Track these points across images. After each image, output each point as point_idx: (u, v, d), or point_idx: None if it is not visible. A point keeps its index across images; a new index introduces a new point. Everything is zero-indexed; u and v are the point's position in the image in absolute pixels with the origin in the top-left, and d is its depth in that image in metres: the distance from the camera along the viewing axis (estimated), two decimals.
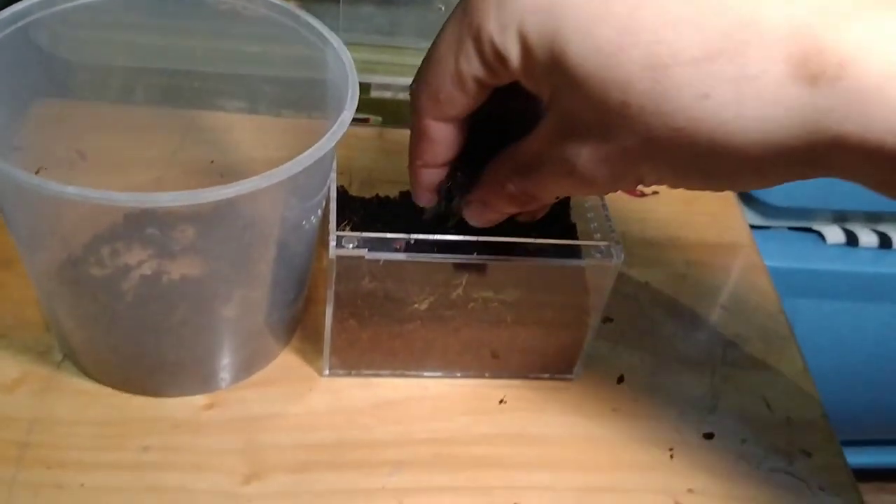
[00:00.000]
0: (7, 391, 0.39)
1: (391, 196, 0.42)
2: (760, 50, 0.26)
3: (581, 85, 0.28)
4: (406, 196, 0.39)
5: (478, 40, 0.30)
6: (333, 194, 0.39)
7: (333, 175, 0.39)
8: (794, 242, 0.68)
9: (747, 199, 0.65)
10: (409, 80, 0.34)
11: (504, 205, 0.35)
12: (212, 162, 0.48)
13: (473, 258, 0.37)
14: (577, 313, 0.41)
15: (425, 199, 0.37)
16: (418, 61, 0.33)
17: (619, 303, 0.47)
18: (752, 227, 0.54)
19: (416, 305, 0.39)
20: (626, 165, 0.30)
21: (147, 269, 0.39)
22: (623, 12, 0.27)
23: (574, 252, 0.38)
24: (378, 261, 0.37)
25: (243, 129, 0.48)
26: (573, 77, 0.28)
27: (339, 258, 0.37)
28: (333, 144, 0.33)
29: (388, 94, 0.56)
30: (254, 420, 0.39)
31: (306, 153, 0.32)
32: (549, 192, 0.33)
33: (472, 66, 0.31)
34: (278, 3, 0.40)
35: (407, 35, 0.55)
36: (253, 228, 0.37)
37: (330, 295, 0.38)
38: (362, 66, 0.54)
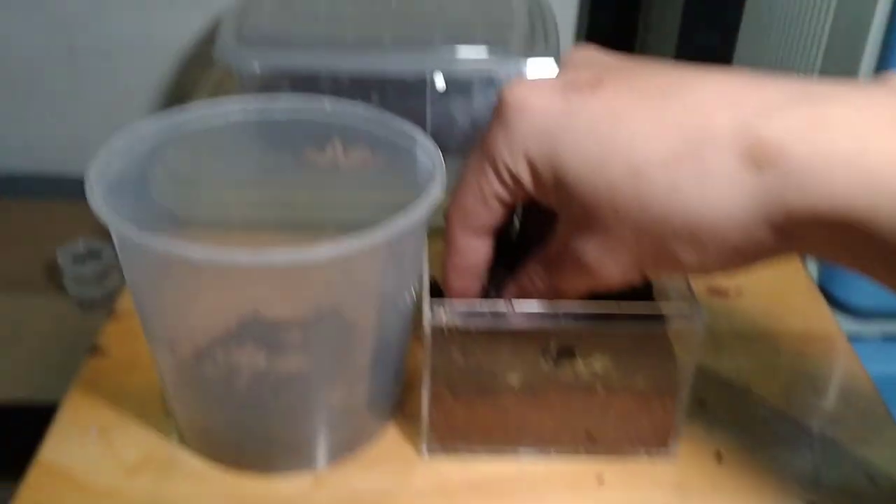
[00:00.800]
0: (128, 474, 0.41)
1: None
2: (714, 150, 0.31)
3: (578, 192, 0.34)
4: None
5: (495, 166, 0.36)
6: (426, 278, 0.41)
7: (425, 254, 0.42)
8: (889, 349, 0.68)
9: (836, 305, 0.66)
10: None
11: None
12: None
13: (559, 324, 0.39)
14: (667, 383, 0.42)
15: None
16: None
17: (712, 387, 0.48)
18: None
19: (507, 379, 0.41)
20: (626, 255, 0.35)
21: (257, 368, 0.42)
22: (604, 130, 0.34)
23: (656, 316, 0.40)
24: (469, 331, 0.39)
25: None
26: (571, 186, 0.34)
27: (434, 328, 0.39)
28: (424, 212, 0.37)
29: None
30: (358, 499, 0.41)
31: (400, 217, 0.36)
32: (570, 285, 0.38)
33: (494, 187, 0.37)
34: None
35: None
36: (354, 321, 0.40)
37: (426, 368, 0.40)
38: None
